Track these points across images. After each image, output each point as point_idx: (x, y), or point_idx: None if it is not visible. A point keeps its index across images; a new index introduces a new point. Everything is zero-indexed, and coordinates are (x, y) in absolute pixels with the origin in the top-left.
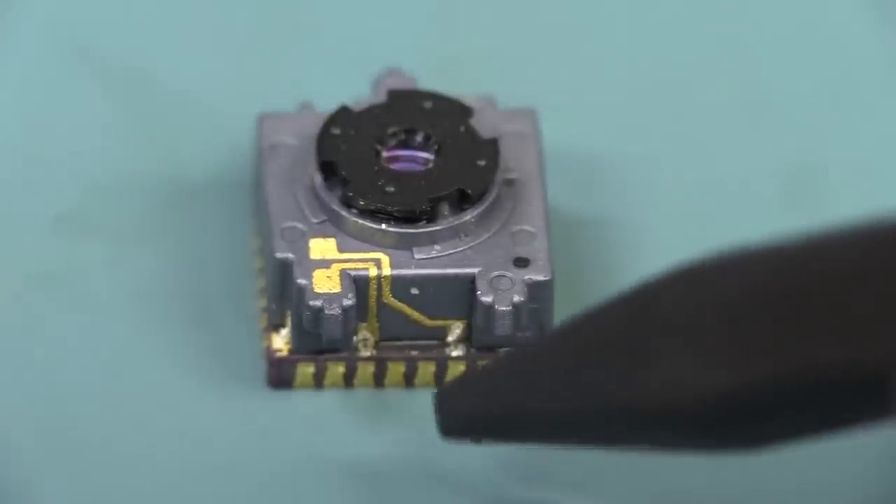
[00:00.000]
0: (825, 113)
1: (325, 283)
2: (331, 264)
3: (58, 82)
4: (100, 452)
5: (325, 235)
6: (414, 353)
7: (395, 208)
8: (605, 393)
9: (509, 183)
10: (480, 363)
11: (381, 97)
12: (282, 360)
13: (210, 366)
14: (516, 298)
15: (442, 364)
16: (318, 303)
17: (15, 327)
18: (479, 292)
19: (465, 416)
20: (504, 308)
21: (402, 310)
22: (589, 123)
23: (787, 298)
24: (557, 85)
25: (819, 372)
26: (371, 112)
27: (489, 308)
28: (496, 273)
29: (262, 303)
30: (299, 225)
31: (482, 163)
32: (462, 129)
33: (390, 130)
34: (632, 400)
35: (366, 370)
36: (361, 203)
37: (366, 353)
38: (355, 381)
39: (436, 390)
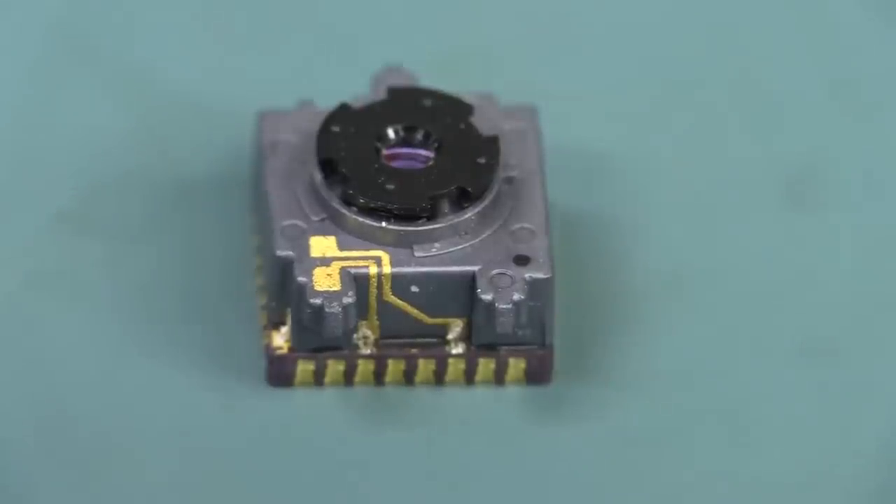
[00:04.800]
0: (825, 113)
1: (325, 280)
2: (331, 262)
3: (57, 81)
4: (99, 450)
5: (325, 233)
6: (414, 350)
7: (396, 206)
8: None
9: (509, 181)
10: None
11: (382, 95)
12: (282, 358)
13: (210, 364)
14: (516, 296)
15: (442, 362)
16: (318, 301)
17: (15, 326)
18: (479, 290)
19: None
20: (504, 306)
21: (402, 307)
22: (589, 121)
23: None
24: (558, 82)
25: None
26: (371, 110)
27: (489, 306)
28: (496, 271)
29: (262, 300)
30: (299, 223)
31: (482, 160)
32: (462, 126)
33: (390, 128)
34: None
35: (366, 368)
36: (361, 201)
37: (366, 350)
38: (355, 379)
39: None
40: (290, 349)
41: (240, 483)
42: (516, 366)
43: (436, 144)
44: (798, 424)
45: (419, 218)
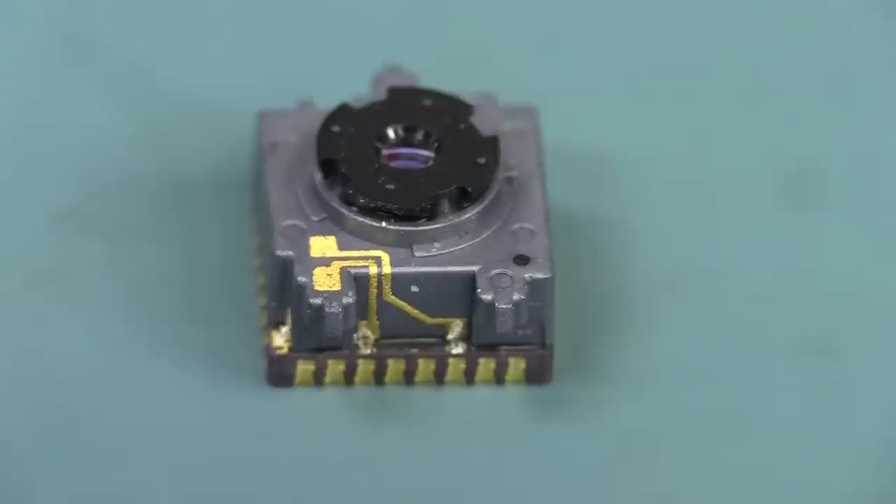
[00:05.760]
0: (825, 113)
1: (325, 280)
2: (331, 262)
3: (58, 81)
4: (100, 450)
5: (325, 233)
6: (414, 350)
7: (396, 206)
8: None
9: (509, 180)
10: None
11: (382, 95)
12: (282, 358)
13: (210, 364)
14: (516, 296)
15: (442, 362)
16: (318, 301)
17: (15, 325)
18: (479, 290)
19: None
20: (504, 306)
21: (402, 308)
22: (589, 121)
23: None
24: (558, 82)
25: None
26: (371, 110)
27: (489, 306)
28: (496, 271)
29: (262, 300)
30: (300, 223)
31: (482, 160)
32: (462, 126)
33: (390, 128)
34: None
35: (366, 368)
36: (362, 201)
37: (366, 350)
38: (355, 379)
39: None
40: (290, 349)
41: (240, 483)
42: (516, 366)
43: (436, 144)
44: (798, 424)
45: (419, 218)
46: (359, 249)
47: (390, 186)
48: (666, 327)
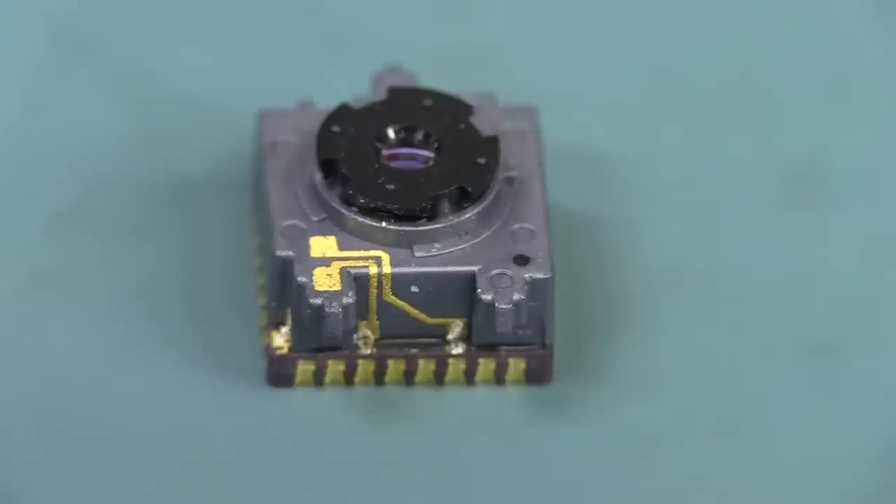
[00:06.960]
0: (826, 112)
1: (325, 280)
2: (331, 262)
3: (57, 81)
4: (99, 450)
5: (325, 233)
6: (414, 350)
7: (396, 206)
8: None
9: (510, 181)
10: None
11: (382, 95)
12: (282, 358)
13: (210, 364)
14: (516, 296)
15: (442, 362)
16: (318, 301)
17: (15, 325)
18: (479, 290)
19: None
20: (504, 306)
21: (402, 308)
22: (590, 121)
23: None
24: (558, 82)
25: None
26: (371, 110)
27: (489, 306)
28: (496, 271)
29: (262, 300)
30: (300, 223)
31: (482, 160)
32: (462, 126)
33: (390, 128)
34: None
35: (366, 368)
36: (362, 201)
37: (366, 350)
38: (355, 379)
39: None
40: (290, 349)
41: (240, 483)
42: (516, 366)
43: (436, 144)
44: (798, 424)
45: (419, 218)
46: (359, 249)
47: (390, 186)
48: (666, 327)
